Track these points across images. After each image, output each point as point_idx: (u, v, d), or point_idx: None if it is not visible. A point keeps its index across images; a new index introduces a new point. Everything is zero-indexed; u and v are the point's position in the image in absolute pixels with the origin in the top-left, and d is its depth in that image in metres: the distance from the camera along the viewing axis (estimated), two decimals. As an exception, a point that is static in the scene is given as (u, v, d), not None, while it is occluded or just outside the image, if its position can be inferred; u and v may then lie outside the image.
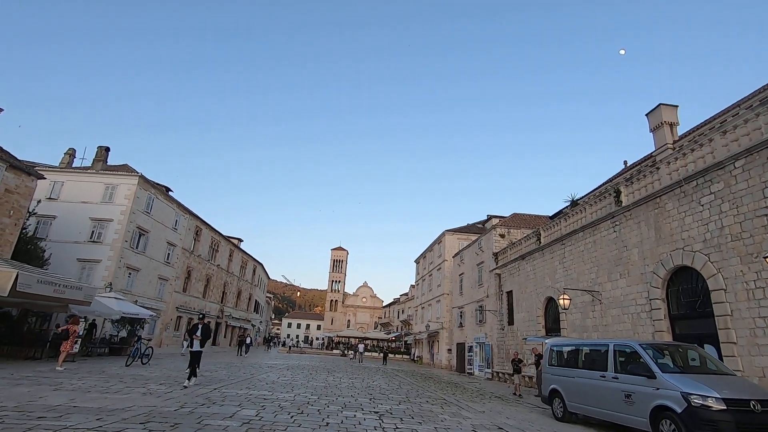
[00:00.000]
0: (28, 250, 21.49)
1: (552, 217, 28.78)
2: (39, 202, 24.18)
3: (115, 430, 5.73)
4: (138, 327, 24.05)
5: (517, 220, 30.43)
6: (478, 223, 44.59)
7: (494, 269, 26.98)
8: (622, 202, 15.39)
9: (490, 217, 39.11)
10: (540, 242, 21.43)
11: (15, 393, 8.24)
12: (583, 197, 25.28)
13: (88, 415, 6.55)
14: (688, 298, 12.23)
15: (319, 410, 8.88)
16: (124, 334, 23.77)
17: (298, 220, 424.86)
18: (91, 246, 26.42)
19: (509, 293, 24.80)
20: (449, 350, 36.86)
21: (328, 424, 7.50)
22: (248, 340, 35.48)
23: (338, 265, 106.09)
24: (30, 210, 21.79)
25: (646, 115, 22.04)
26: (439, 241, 43.80)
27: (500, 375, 24.00)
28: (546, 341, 12.44)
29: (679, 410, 7.04)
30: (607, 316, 15.33)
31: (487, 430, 8.18)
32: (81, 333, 17.18)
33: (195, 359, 11.37)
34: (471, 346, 30.38)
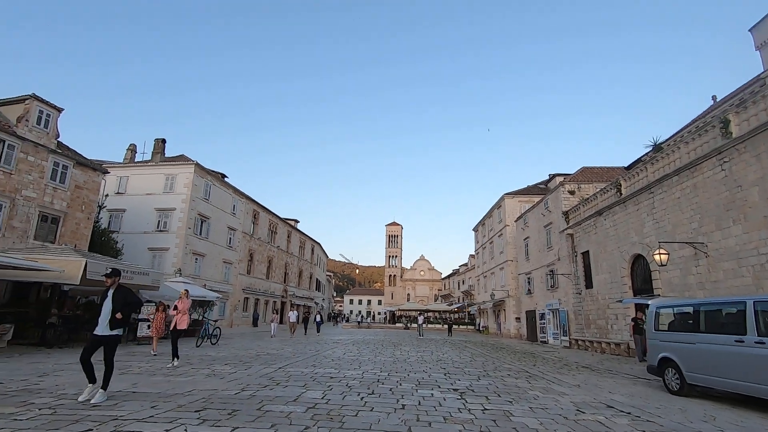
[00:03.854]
0: (103, 243, 22.66)
1: (628, 168, 25.52)
2: (107, 196, 25.40)
3: (165, 420, 5.08)
4: (208, 308, 24.80)
5: (588, 174, 27.45)
6: (540, 183, 41.42)
7: (565, 229, 24.61)
8: (732, 133, 12.66)
9: (552, 176, 35.96)
10: (621, 194, 18.88)
11: (78, 379, 8.07)
12: (667, 140, 21.99)
13: (143, 402, 6.04)
14: (839, 240, 9.71)
15: (391, 389, 7.94)
16: (196, 316, 24.65)
17: (350, 199, 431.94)
18: (158, 235, 27.57)
19: (585, 254, 22.48)
20: (517, 319, 35.09)
21: (403, 406, 6.49)
22: (318, 318, 31.04)
23: (393, 240, 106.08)
24: (99, 204, 22.86)
25: (750, 30, 18.29)
26: (498, 205, 41.38)
27: (579, 343, 22.05)
28: (649, 302, 10.56)
29: None
30: (717, 271, 12.93)
31: (595, 410, 6.77)
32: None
33: (99, 349, 6.20)
34: (543, 314, 28.46)
